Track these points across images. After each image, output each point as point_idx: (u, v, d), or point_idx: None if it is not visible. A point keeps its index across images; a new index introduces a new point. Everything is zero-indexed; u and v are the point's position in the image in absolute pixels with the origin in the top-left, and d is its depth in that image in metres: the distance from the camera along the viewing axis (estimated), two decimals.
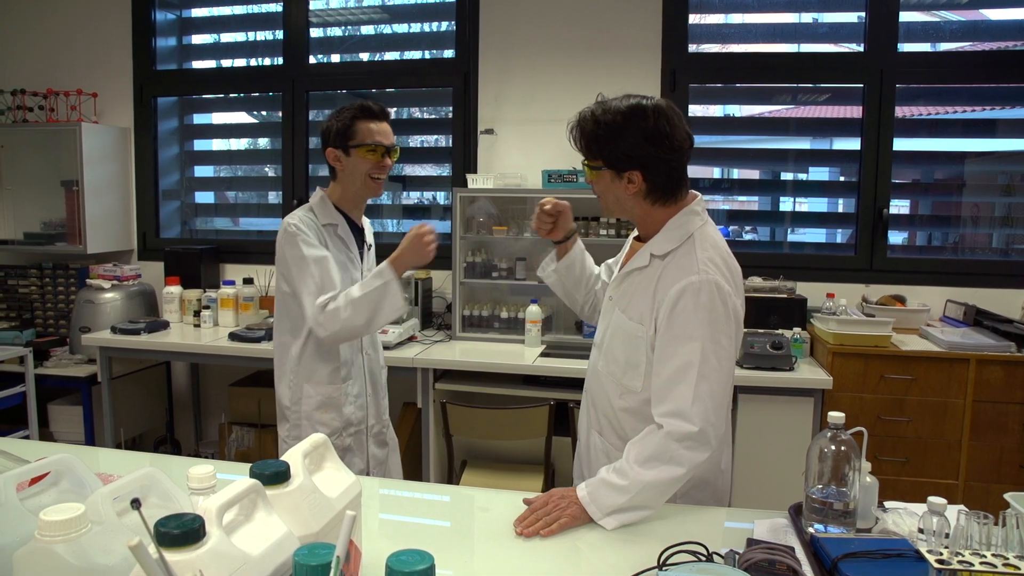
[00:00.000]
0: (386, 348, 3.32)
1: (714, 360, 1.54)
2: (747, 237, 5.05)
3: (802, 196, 4.41)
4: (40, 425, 3.82)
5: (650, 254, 1.67)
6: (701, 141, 3.82)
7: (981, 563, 1.08)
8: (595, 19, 3.77)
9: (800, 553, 1.35)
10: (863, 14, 3.66)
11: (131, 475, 1.07)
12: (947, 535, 1.30)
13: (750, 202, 5.31)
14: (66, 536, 0.91)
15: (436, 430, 3.25)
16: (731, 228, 5.33)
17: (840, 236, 4.00)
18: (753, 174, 4.43)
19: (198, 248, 4.18)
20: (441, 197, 4.32)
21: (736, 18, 4.07)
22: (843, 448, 1.42)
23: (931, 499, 1.33)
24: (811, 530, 1.41)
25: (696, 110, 3.78)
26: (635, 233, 1.80)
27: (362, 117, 2.22)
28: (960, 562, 1.08)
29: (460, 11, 3.97)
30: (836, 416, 1.44)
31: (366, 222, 2.43)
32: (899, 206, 3.78)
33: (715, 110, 5.32)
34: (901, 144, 3.61)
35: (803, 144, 4.21)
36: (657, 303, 1.60)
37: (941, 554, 1.10)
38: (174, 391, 4.41)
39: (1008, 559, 1.09)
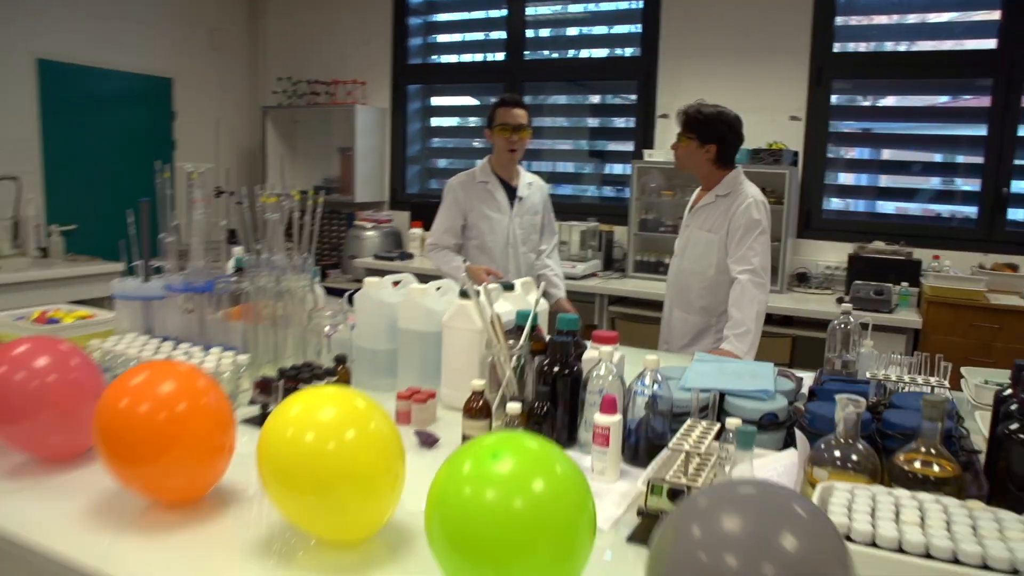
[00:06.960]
0: (571, 278, 4.34)
1: (766, 239, 2.65)
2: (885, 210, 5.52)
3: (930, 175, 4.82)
4: None
5: (715, 195, 2.76)
6: (850, 127, 4.54)
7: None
8: (754, 26, 4.57)
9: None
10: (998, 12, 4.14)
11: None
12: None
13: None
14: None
15: None
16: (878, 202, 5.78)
17: (961, 212, 4.46)
18: (902, 155, 4.89)
19: (434, 200, 5.39)
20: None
21: (880, 19, 4.63)
22: (848, 327, 2.29)
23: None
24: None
25: (841, 100, 4.48)
26: (697, 191, 2.90)
27: (501, 105, 3.03)
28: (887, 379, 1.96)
29: (645, 18, 4.93)
30: (846, 307, 2.31)
31: (524, 179, 3.23)
32: (1018, 187, 4.22)
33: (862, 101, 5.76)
34: None
35: (941, 130, 4.66)
36: (728, 217, 2.70)
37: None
38: None
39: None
